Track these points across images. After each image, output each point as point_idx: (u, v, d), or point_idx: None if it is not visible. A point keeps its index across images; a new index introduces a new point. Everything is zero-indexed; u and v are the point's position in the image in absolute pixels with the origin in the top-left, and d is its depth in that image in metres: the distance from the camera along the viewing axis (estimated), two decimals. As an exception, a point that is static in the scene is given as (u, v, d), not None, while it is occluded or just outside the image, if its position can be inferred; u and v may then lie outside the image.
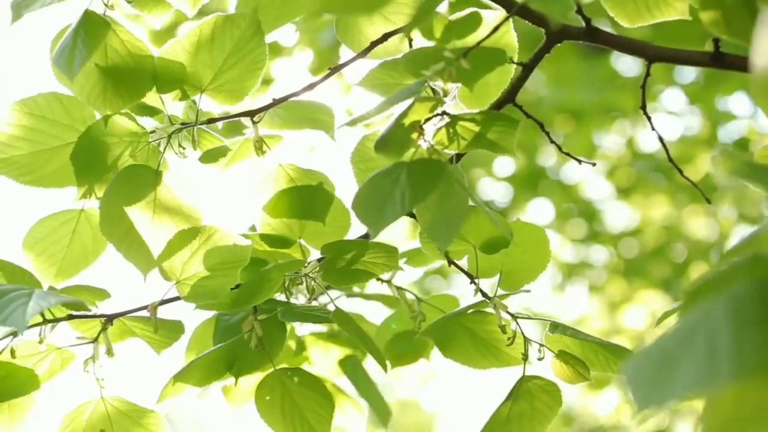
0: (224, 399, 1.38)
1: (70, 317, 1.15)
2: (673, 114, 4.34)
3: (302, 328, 1.44)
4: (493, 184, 4.65)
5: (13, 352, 1.11)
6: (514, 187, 4.62)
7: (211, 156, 1.21)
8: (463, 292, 1.41)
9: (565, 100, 4.12)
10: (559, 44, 1.22)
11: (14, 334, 1.12)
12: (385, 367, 1.17)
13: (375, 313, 1.49)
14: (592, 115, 4.23)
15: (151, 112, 1.20)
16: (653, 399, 0.57)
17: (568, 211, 4.70)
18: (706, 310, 0.59)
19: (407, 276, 1.32)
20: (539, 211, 4.72)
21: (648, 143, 4.47)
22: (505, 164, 4.61)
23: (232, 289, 1.14)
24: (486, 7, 1.17)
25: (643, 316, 4.93)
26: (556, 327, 1.15)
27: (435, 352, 1.35)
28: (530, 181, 4.58)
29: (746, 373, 0.53)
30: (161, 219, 1.18)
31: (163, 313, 1.17)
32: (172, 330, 1.17)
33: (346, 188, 1.25)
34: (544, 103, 4.11)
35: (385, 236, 1.17)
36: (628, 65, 4.22)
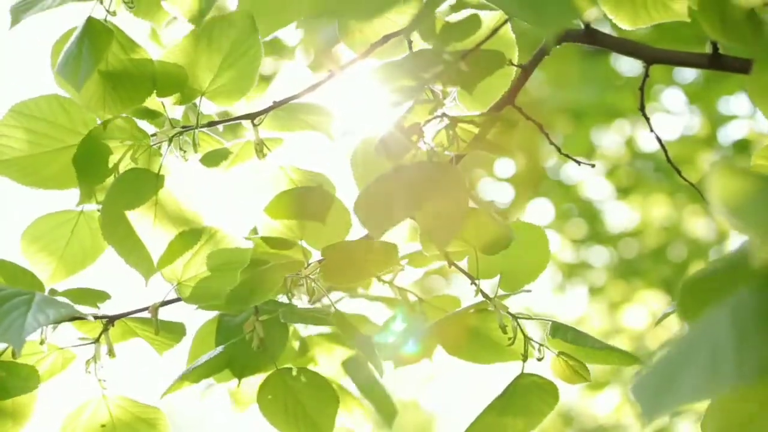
0: (230, 402, 1.38)
1: (72, 318, 1.15)
2: (673, 114, 4.34)
3: (306, 330, 1.44)
4: (493, 185, 4.65)
5: (13, 354, 1.11)
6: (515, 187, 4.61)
7: (212, 158, 1.22)
8: (463, 292, 1.41)
9: (565, 100, 4.12)
10: (558, 46, 1.23)
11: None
12: (381, 371, 1.17)
13: (379, 315, 1.49)
14: (591, 115, 4.23)
15: (152, 116, 1.21)
16: (658, 408, 0.57)
17: (568, 211, 4.69)
18: (707, 322, 0.59)
19: (408, 275, 1.32)
20: (539, 211, 4.72)
21: (648, 143, 4.47)
22: (506, 165, 4.61)
23: (232, 290, 1.14)
24: (485, 7, 1.18)
25: (643, 316, 4.92)
26: (556, 331, 1.15)
27: (436, 354, 1.35)
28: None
29: (748, 380, 0.54)
30: (162, 222, 1.19)
31: (167, 313, 1.17)
32: (173, 332, 1.17)
33: (347, 189, 1.25)
34: (544, 103, 4.11)
35: (384, 237, 1.17)
36: (628, 65, 4.22)
